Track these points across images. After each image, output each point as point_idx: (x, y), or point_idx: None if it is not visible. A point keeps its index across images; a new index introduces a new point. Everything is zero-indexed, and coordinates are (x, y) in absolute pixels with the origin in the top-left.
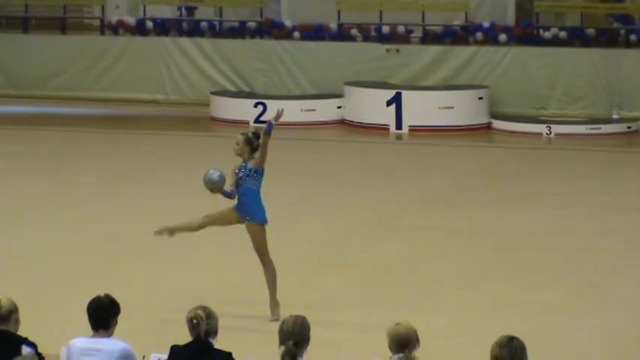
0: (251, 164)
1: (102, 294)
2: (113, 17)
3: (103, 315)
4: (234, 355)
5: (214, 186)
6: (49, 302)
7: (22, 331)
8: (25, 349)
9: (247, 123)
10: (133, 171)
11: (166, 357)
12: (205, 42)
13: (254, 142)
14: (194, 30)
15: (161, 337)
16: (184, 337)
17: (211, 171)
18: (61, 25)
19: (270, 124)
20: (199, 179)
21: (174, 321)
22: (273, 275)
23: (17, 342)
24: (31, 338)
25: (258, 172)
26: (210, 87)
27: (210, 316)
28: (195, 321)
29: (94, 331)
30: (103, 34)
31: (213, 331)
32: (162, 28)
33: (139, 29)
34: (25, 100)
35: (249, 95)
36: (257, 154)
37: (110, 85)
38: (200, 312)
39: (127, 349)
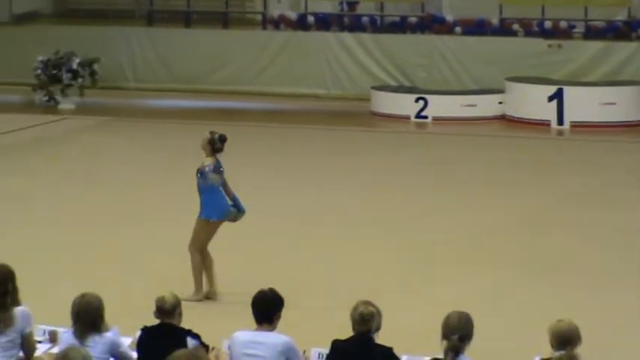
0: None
1: (266, 288)
2: (275, 12)
3: (267, 309)
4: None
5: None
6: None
7: (188, 325)
8: (190, 341)
9: (408, 118)
10: (293, 165)
11: (327, 352)
12: (366, 37)
13: (216, 144)
14: (355, 25)
15: (322, 332)
16: (343, 332)
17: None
18: (222, 19)
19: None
20: (358, 174)
21: (332, 316)
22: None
23: (181, 334)
24: (196, 330)
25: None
26: (370, 82)
27: (379, 311)
28: (366, 317)
29: (258, 324)
30: (264, 28)
31: (379, 327)
32: (324, 23)
33: (301, 24)
34: (186, 94)
35: (410, 90)
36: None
37: (271, 79)
38: (371, 308)
39: (289, 343)
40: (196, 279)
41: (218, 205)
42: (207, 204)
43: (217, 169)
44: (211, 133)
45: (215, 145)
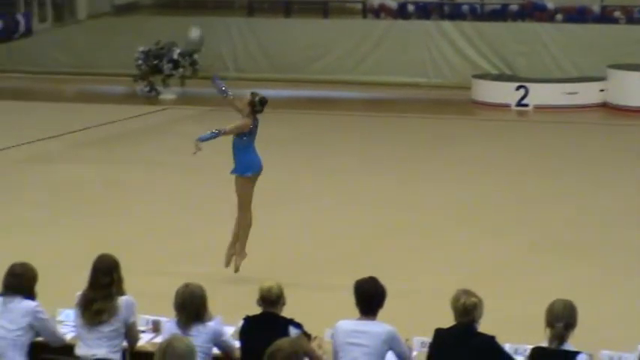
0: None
1: (369, 277)
2: (375, 1)
3: (370, 298)
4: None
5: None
6: (317, 282)
7: (290, 313)
8: (293, 330)
9: (509, 106)
10: (393, 153)
11: (430, 340)
12: (467, 25)
13: (256, 106)
14: (455, 13)
15: (424, 321)
16: (443, 322)
17: None
18: (323, 9)
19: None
20: (459, 163)
21: (434, 305)
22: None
23: (284, 323)
24: (298, 319)
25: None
26: (471, 70)
27: (481, 301)
28: (469, 307)
29: (361, 314)
30: (364, 17)
31: (481, 316)
32: (424, 11)
33: (401, 13)
34: (287, 83)
35: (511, 78)
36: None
37: (371, 68)
38: (474, 298)
39: (392, 332)
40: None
41: (257, 160)
42: (246, 160)
43: (256, 127)
44: (252, 94)
45: (255, 107)
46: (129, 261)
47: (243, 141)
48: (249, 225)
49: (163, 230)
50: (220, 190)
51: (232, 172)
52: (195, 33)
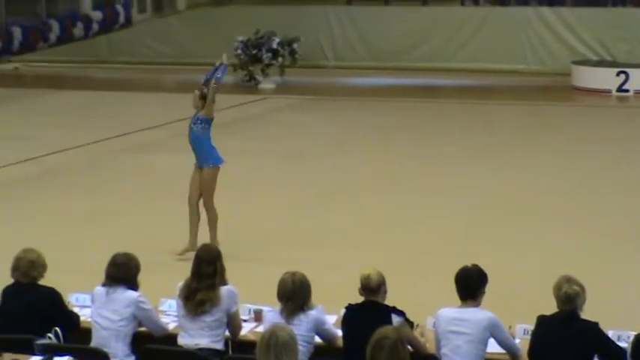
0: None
1: (470, 264)
2: None
3: (471, 285)
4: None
5: None
6: (419, 270)
7: (391, 301)
8: (395, 318)
9: (609, 92)
10: (492, 141)
11: (532, 328)
12: (566, 11)
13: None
14: None
15: (526, 308)
16: (545, 309)
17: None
18: None
19: (224, 69)
20: (561, 148)
21: (537, 291)
22: (214, 220)
23: (386, 311)
24: (400, 307)
25: (205, 120)
26: (571, 56)
27: (583, 288)
28: (572, 296)
29: (462, 301)
30: (463, 4)
31: (584, 302)
32: None
33: (500, 0)
34: (385, 71)
35: (611, 64)
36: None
37: (470, 55)
38: (576, 287)
39: (493, 319)
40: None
41: (216, 151)
42: (209, 152)
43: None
44: (200, 89)
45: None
46: (227, 249)
47: (206, 130)
48: (216, 215)
49: (260, 218)
50: (318, 176)
51: (208, 163)
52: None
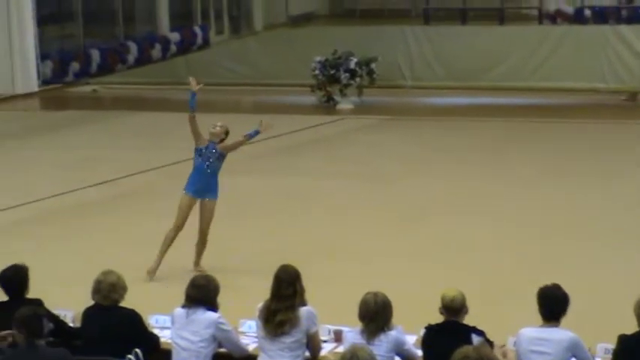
0: (219, 147)
1: (552, 284)
2: (551, 6)
3: (555, 306)
4: None
5: None
6: (498, 290)
7: (470, 321)
8: (475, 338)
9: None
10: (571, 161)
11: (614, 347)
12: None
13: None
14: (633, 17)
15: (605, 328)
16: (626, 328)
17: None
18: (498, 15)
19: (256, 132)
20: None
21: (617, 311)
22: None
23: (466, 331)
24: (480, 327)
25: (222, 156)
26: None
27: None
28: None
29: (545, 320)
30: (540, 23)
31: None
32: (601, 16)
33: (578, 18)
34: (463, 91)
35: None
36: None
37: (548, 74)
38: None
39: (575, 339)
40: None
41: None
42: (216, 185)
43: None
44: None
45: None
46: (307, 271)
47: (219, 165)
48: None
49: (339, 238)
50: (396, 196)
51: (213, 196)
52: None
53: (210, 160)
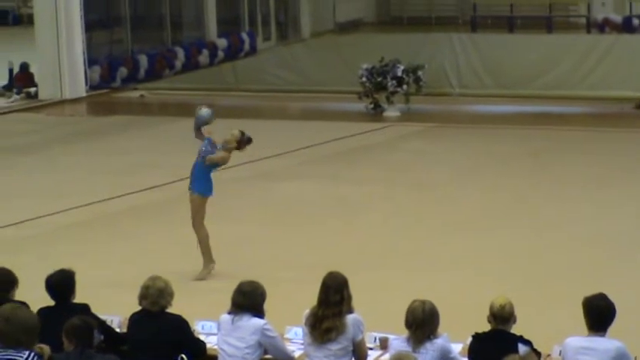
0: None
1: (600, 294)
2: (599, 15)
3: (603, 316)
4: None
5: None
6: (544, 299)
7: (519, 330)
8: (521, 347)
9: None
10: (620, 169)
11: None
12: None
13: (242, 145)
14: None
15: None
16: None
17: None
18: (546, 23)
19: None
20: None
21: None
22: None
23: (513, 340)
24: (526, 336)
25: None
26: None
27: None
28: None
29: (590, 330)
30: (589, 32)
31: None
32: None
33: (626, 27)
34: (510, 99)
35: None
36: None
37: (596, 83)
38: None
39: (622, 348)
40: (206, 252)
41: (211, 184)
42: (203, 180)
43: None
44: (242, 132)
45: (241, 145)
46: (354, 279)
47: (209, 168)
48: (207, 236)
49: (386, 247)
50: (443, 204)
51: (193, 188)
52: (205, 112)
53: (201, 153)
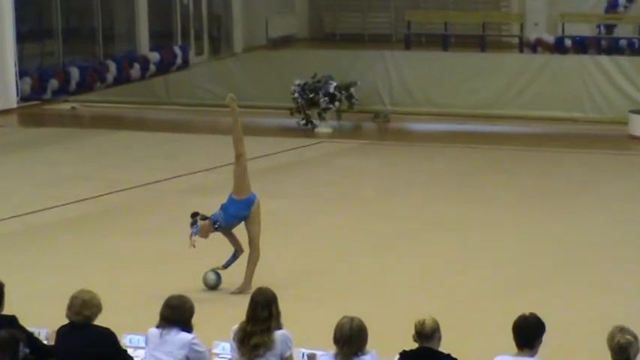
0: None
1: (527, 313)
2: (532, 35)
3: (528, 334)
4: None
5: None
6: (471, 318)
7: (446, 349)
8: None
9: None
10: (548, 190)
11: None
12: (624, 60)
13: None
14: (613, 48)
15: (583, 358)
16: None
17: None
18: (480, 42)
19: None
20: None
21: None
22: None
23: (441, 358)
24: (455, 355)
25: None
26: (629, 105)
27: (637, 337)
28: (624, 346)
29: (519, 349)
30: (521, 51)
31: (637, 353)
32: (581, 46)
33: (558, 47)
34: (442, 117)
35: None
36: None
37: (528, 102)
38: (628, 336)
39: None
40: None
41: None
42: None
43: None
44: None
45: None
46: (283, 294)
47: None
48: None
49: (311, 263)
50: (370, 222)
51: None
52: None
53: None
